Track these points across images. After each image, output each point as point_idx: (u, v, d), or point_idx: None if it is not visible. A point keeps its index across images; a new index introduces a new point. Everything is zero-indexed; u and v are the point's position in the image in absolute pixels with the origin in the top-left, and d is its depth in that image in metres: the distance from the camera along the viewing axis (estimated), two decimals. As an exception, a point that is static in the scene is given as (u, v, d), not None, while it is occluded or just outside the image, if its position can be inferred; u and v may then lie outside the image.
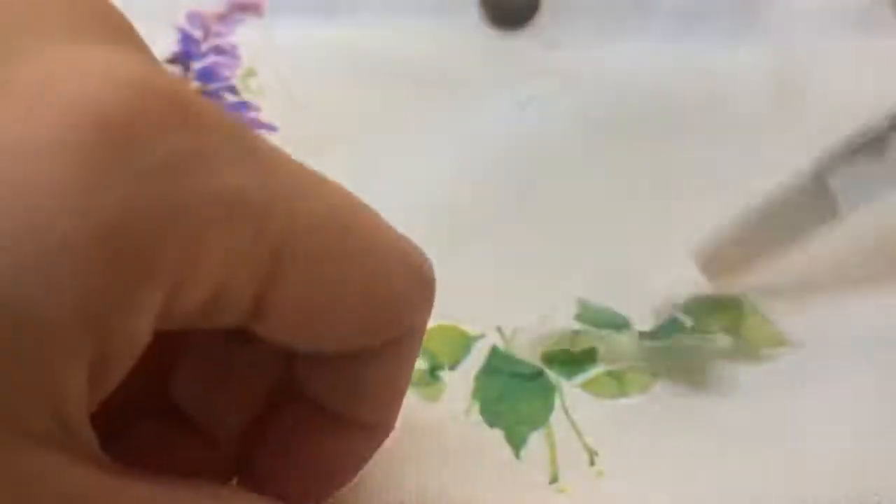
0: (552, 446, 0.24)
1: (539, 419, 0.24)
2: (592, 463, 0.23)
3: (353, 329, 0.17)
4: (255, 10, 0.39)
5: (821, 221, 0.24)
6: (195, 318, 0.15)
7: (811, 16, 0.33)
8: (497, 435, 0.24)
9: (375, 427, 0.20)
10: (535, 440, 0.24)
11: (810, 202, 0.23)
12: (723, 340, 0.27)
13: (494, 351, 0.26)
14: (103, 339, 0.14)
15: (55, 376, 0.14)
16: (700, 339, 0.26)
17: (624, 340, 0.26)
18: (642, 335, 0.26)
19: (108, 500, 0.15)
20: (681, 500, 0.23)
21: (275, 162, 0.16)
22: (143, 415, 0.20)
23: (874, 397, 0.25)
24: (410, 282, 0.18)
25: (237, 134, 0.15)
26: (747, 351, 0.26)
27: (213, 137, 0.15)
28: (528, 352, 0.26)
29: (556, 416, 0.24)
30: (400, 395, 0.20)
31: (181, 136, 0.14)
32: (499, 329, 0.27)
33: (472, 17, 0.39)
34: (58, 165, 0.13)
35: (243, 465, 0.20)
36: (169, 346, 0.19)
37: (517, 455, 0.24)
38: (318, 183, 0.17)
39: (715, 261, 0.26)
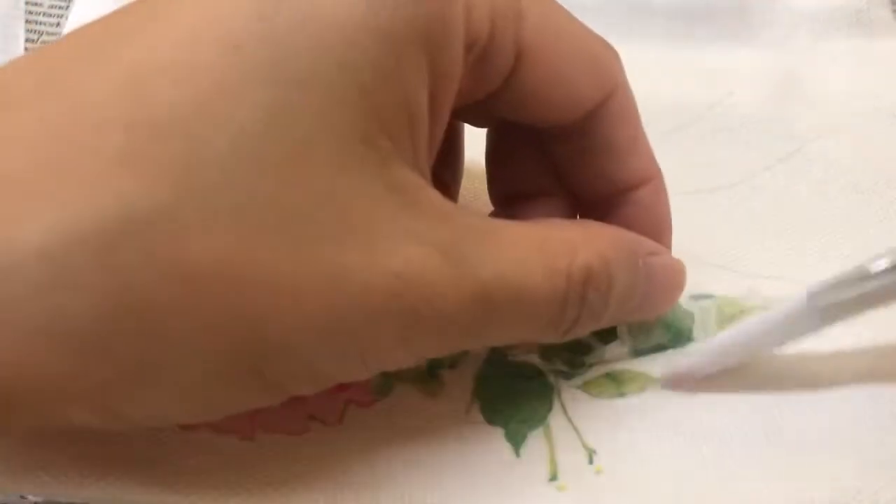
0: (551, 445, 0.24)
1: (538, 418, 0.24)
2: (591, 461, 0.23)
3: (585, 81, 0.21)
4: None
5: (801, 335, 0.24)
6: (476, 73, 0.20)
7: (811, 16, 0.33)
8: (497, 433, 0.24)
9: (650, 179, 0.23)
10: (535, 439, 0.24)
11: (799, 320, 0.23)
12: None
13: (494, 351, 0.26)
14: (434, 57, 0.18)
15: (408, 83, 0.17)
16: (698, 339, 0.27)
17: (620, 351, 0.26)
18: (638, 352, 0.26)
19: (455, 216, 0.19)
20: (679, 499, 0.23)
21: None
22: None
23: (872, 396, 0.25)
24: (604, 42, 0.22)
25: None
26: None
27: None
28: (526, 352, 0.26)
29: (555, 416, 0.24)
30: (644, 141, 0.23)
31: None
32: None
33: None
34: None
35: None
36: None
37: (517, 453, 0.24)
38: None
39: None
